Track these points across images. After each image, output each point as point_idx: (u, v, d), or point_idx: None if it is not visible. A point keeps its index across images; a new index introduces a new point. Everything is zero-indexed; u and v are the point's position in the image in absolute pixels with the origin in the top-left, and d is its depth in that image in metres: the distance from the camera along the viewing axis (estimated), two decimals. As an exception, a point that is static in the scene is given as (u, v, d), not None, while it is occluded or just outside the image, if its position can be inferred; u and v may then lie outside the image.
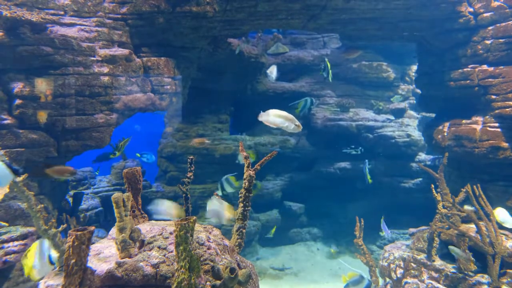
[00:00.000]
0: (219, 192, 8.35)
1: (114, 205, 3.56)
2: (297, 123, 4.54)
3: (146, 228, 3.91)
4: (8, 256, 5.23)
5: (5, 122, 6.15)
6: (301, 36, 14.10)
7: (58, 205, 7.41)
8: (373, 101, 13.00)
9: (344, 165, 12.32)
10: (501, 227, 6.32)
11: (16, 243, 5.42)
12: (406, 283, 6.75)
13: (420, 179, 11.50)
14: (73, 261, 2.98)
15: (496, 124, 7.56)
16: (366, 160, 10.75)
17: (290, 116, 4.52)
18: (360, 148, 11.07)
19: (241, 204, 4.55)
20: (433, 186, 7.28)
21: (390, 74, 13.09)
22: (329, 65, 8.84)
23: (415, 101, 13.22)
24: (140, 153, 12.38)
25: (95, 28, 7.14)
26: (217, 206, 4.72)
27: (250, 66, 11.76)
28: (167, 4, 7.35)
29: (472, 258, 6.28)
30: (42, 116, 6.34)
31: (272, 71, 8.68)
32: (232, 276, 3.30)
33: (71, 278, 2.98)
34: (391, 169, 11.94)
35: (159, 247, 3.58)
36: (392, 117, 12.78)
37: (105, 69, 7.00)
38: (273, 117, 4.55)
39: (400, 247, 7.81)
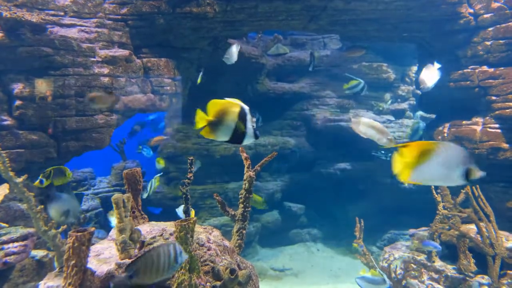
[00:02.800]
0: (144, 195, 8.19)
1: (114, 206, 3.56)
2: (390, 136, 4.19)
3: (146, 229, 3.91)
4: (8, 257, 5.22)
5: (5, 123, 6.15)
6: (301, 37, 14.10)
7: (58, 206, 7.40)
8: (373, 102, 12.99)
9: (344, 166, 12.31)
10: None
11: (16, 244, 5.40)
12: (406, 283, 6.74)
13: (420, 180, 11.49)
14: (73, 262, 2.97)
15: (496, 125, 7.57)
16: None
17: (384, 128, 4.22)
18: (390, 154, 11.00)
19: (241, 205, 4.55)
20: (433, 187, 7.28)
21: (390, 75, 13.09)
22: (316, 56, 8.73)
23: (415, 102, 13.22)
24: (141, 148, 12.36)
25: (95, 29, 7.14)
26: None
27: (250, 67, 11.75)
28: (167, 5, 7.36)
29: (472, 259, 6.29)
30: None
31: (231, 51, 7.21)
32: (232, 277, 3.30)
33: (71, 279, 2.98)
34: (391, 170, 11.92)
35: (159, 248, 3.58)
36: (392, 118, 12.78)
37: (105, 70, 7.00)
38: (364, 127, 4.22)
39: (400, 248, 7.80)
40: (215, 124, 3.04)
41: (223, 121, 3.02)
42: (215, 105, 3.05)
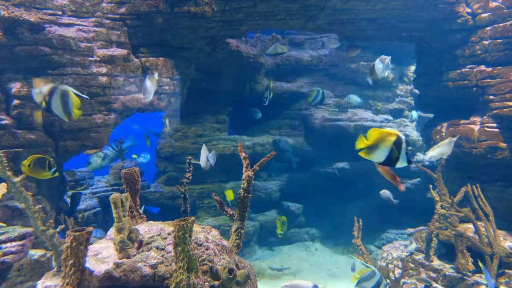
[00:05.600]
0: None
1: (112, 205, 3.56)
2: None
3: (145, 229, 3.90)
4: (5, 257, 5.21)
5: (3, 122, 6.13)
6: (299, 36, 14.10)
7: (56, 206, 7.39)
8: (371, 102, 13.01)
9: (342, 165, 12.32)
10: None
11: (13, 243, 5.40)
12: (404, 283, 6.76)
13: (419, 179, 11.51)
14: (71, 262, 2.97)
15: (494, 125, 7.57)
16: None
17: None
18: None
19: (240, 205, 4.55)
20: (431, 186, 7.30)
21: (389, 75, 13.10)
22: (270, 86, 9.15)
23: (413, 102, 13.24)
24: (137, 154, 12.40)
25: (93, 28, 7.12)
26: None
27: (248, 66, 11.75)
28: (166, 4, 7.35)
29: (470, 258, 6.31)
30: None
31: (146, 86, 6.38)
32: (231, 276, 3.30)
33: (69, 279, 2.97)
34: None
35: (157, 248, 3.58)
36: (390, 117, 12.80)
37: (103, 70, 6.99)
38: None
39: (398, 247, 7.83)
40: (372, 148, 3.68)
41: (379, 146, 3.66)
42: (374, 132, 3.69)
